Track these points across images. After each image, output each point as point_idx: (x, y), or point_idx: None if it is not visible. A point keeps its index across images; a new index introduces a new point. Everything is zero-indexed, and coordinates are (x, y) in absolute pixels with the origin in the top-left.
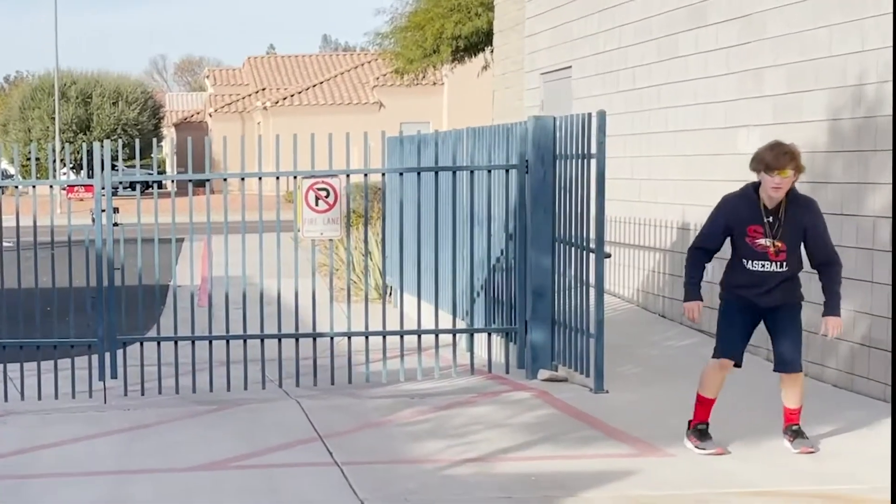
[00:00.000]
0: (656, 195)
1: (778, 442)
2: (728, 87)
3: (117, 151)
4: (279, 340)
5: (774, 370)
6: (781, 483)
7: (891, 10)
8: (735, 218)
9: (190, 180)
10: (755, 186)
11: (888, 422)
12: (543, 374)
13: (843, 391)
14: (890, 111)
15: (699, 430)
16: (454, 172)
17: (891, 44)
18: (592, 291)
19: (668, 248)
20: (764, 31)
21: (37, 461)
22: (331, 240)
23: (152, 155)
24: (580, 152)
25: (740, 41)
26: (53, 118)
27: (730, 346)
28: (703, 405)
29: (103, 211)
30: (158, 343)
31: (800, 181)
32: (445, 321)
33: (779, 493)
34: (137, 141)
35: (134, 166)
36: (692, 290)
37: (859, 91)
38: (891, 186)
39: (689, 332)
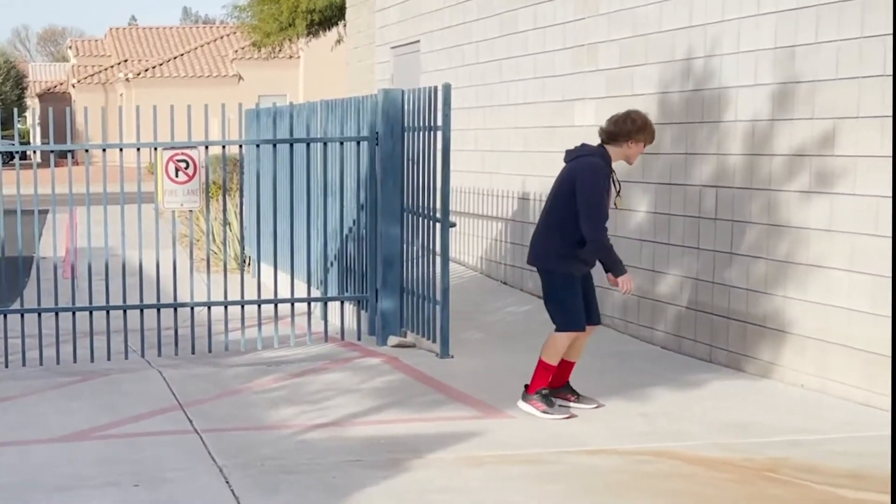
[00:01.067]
0: (499, 166)
1: (614, 403)
2: (564, 61)
3: None
4: (141, 311)
5: (589, 324)
6: (615, 442)
7: None
8: (605, 183)
9: (52, 151)
10: (604, 151)
11: (714, 382)
12: (393, 340)
13: (671, 353)
14: (717, 84)
15: (544, 395)
16: (308, 144)
17: (718, 19)
18: (439, 260)
19: (510, 217)
20: (598, 8)
21: None
22: (191, 211)
23: (17, 125)
24: (427, 124)
25: (576, 17)
26: None
27: (581, 318)
28: (550, 371)
29: None
30: (22, 315)
31: None
32: (301, 290)
33: (613, 451)
34: None
35: (8, 137)
36: (621, 266)
37: (687, 65)
38: (716, 157)
39: (527, 298)
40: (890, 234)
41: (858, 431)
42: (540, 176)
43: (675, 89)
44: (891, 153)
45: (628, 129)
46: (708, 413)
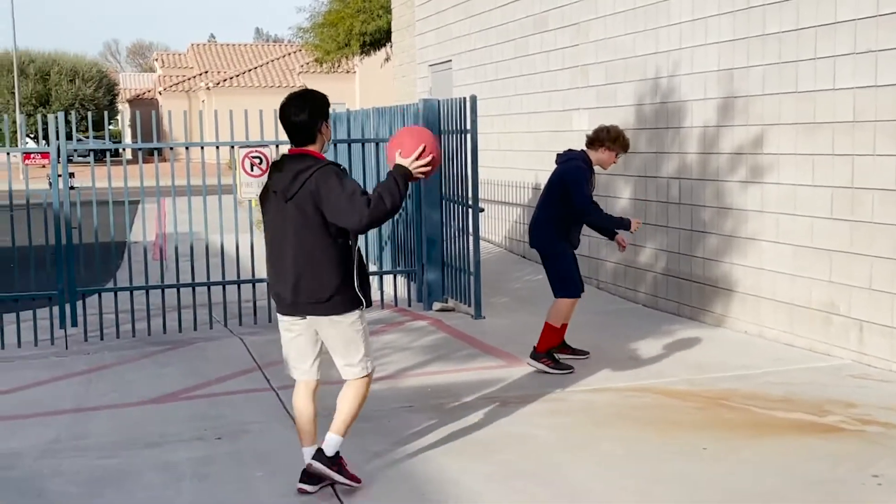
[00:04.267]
0: (516, 162)
1: (609, 351)
2: (564, 79)
3: (72, 122)
4: (223, 287)
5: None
6: (610, 382)
7: (679, 20)
8: (588, 175)
9: (139, 149)
10: (585, 154)
11: (682, 331)
12: (437, 305)
13: (650, 310)
14: (677, 98)
15: (551, 354)
16: (363, 144)
17: (677, 46)
18: (471, 239)
19: (525, 203)
20: (588, 36)
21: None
22: None
23: (108, 126)
24: (459, 128)
25: (572, 43)
26: (13, 93)
27: (578, 286)
28: (556, 333)
29: (59, 176)
30: (115, 293)
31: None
32: None
33: (608, 389)
34: (90, 114)
35: (100, 137)
36: (621, 220)
37: (656, 83)
38: (678, 155)
39: (540, 269)
40: (804, 213)
41: (786, 366)
42: (548, 170)
43: (648, 102)
44: (804, 152)
45: (603, 137)
46: (678, 356)
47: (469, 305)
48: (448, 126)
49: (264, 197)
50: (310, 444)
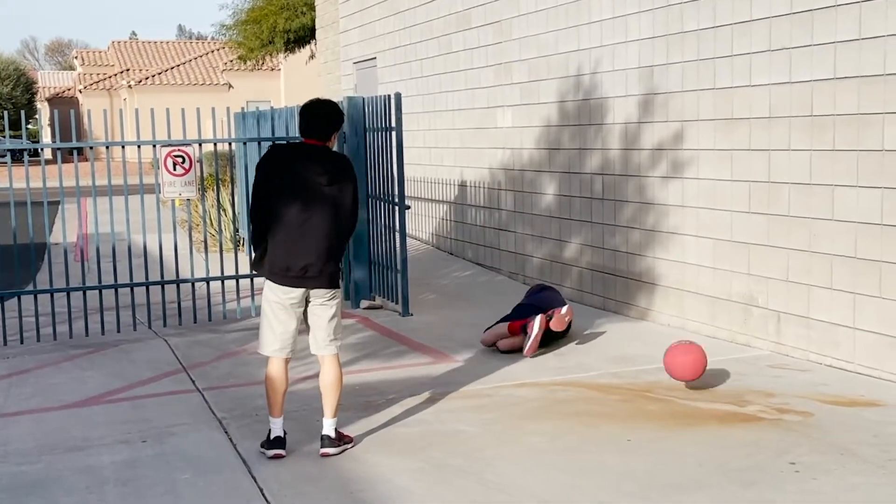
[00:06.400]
0: (442, 159)
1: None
2: (488, 76)
3: None
4: (147, 288)
5: None
6: (536, 376)
7: (600, 18)
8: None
9: (59, 148)
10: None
11: (607, 325)
12: (364, 303)
13: (576, 304)
14: (599, 94)
15: None
16: (287, 143)
17: (598, 44)
18: (398, 236)
19: (452, 200)
20: (511, 34)
21: None
22: (188, 199)
23: (26, 126)
24: (384, 126)
25: (495, 41)
26: None
27: None
28: None
29: None
30: (35, 296)
31: (540, 147)
32: None
33: (534, 383)
34: (7, 113)
35: (17, 137)
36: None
37: (578, 80)
38: (601, 151)
39: (468, 265)
40: (723, 207)
41: (708, 357)
42: (473, 167)
43: (571, 99)
44: (723, 147)
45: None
46: (603, 349)
47: (396, 303)
48: (373, 124)
49: (281, 177)
50: (279, 414)
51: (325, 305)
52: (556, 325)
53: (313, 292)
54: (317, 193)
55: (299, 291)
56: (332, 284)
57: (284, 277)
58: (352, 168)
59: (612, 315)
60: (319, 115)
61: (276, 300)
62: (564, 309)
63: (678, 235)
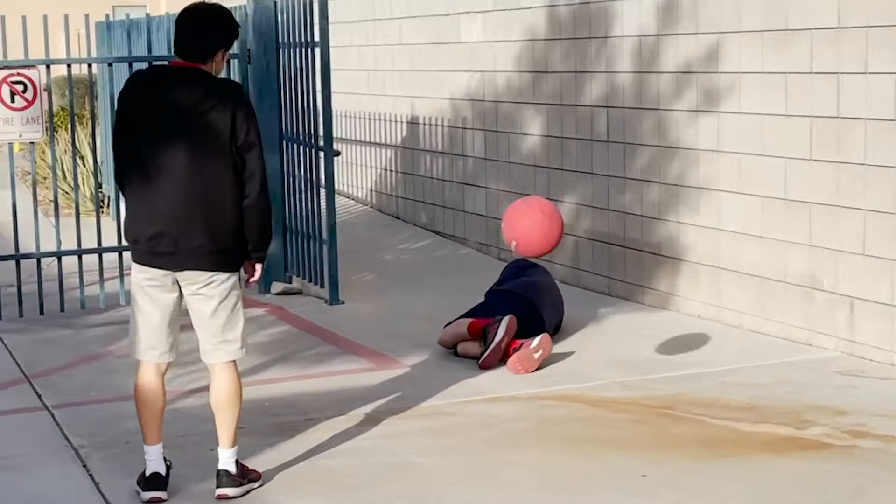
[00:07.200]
0: (384, 87)
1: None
2: None
3: None
4: None
5: None
6: (514, 388)
7: None
8: None
9: None
10: None
11: (613, 316)
12: (277, 287)
13: (569, 287)
14: None
15: None
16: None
17: None
18: (324, 193)
19: (400, 143)
20: None
21: None
22: (32, 143)
23: None
24: (304, 40)
25: None
26: None
27: None
28: None
29: None
30: None
31: (521, 70)
32: None
33: (513, 397)
34: None
35: None
36: None
37: None
38: (607, 75)
39: (422, 233)
40: (774, 153)
41: (751, 361)
42: (429, 98)
43: (563, 2)
44: (774, 69)
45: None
46: (608, 350)
47: (321, 286)
48: (289, 37)
49: (141, 113)
50: (156, 441)
51: (201, 295)
52: (515, 366)
53: (180, 275)
54: (183, 133)
55: (156, 272)
56: (204, 265)
57: (134, 251)
58: (242, 94)
59: (620, 302)
60: (196, 24)
61: (136, 282)
62: (536, 341)
63: (712, 192)
